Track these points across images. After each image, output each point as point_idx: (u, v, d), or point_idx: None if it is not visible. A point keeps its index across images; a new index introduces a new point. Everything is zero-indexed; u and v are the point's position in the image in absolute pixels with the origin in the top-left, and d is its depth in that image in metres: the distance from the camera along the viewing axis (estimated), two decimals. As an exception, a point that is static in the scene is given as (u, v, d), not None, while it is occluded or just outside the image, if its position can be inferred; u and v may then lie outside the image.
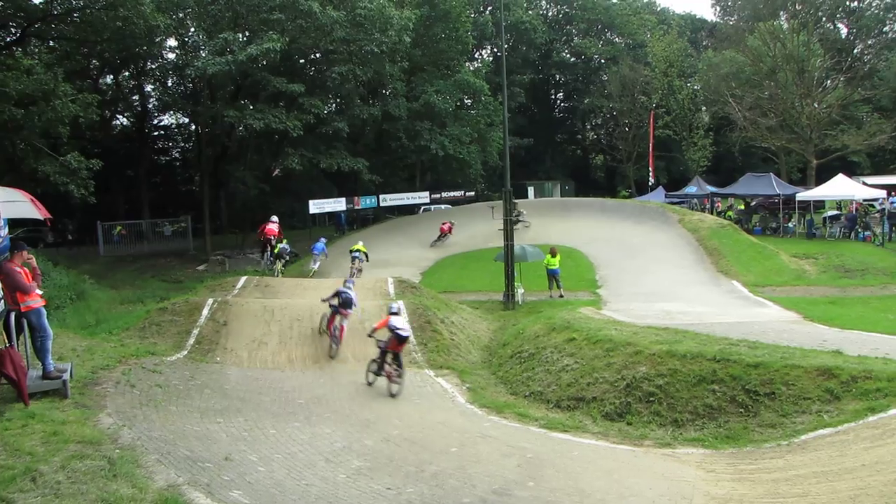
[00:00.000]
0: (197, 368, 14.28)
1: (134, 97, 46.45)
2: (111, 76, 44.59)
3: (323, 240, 31.71)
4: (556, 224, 36.84)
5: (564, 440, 10.82)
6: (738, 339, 13.50)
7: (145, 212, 43.29)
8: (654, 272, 27.42)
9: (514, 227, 32.13)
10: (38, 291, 10.03)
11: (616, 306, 21.97)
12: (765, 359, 11.70)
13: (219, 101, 37.35)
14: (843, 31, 64.46)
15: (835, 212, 38.45)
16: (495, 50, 62.95)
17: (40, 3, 29.32)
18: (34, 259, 10.48)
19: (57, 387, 10.05)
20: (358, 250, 29.60)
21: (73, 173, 26.66)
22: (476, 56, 62.21)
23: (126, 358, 13.32)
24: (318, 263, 30.15)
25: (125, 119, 48.55)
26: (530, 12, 65.79)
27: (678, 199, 45.79)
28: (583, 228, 36.00)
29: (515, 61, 61.96)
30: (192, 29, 38.06)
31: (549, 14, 70.92)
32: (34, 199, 12.02)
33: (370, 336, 14.17)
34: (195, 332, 16.49)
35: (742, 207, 43.87)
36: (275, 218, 31.43)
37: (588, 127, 77.36)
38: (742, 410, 11.01)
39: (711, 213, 41.91)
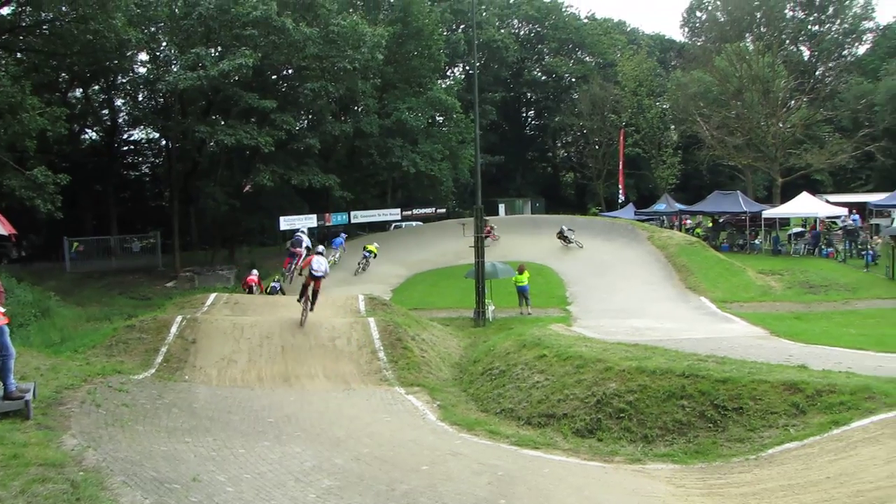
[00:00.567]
0: (165, 387, 14.03)
1: (104, 111, 45.92)
2: (80, 90, 43.99)
3: (343, 235, 35.39)
4: (526, 240, 36.96)
5: (535, 457, 10.79)
6: (707, 354, 13.62)
7: (114, 227, 42.74)
8: (623, 289, 27.61)
9: (568, 244, 32.43)
10: (1, 309, 9.80)
11: (586, 323, 22.04)
12: (733, 374, 11.79)
13: (190, 117, 37.10)
14: (806, 53, 65.95)
15: (799, 229, 39.06)
16: (467, 68, 63.49)
17: (8, 14, 28.96)
18: (-3, 276, 10.27)
19: (19, 407, 9.77)
20: (370, 250, 34.00)
21: (39, 188, 26.26)
22: (448, 73, 62.64)
23: (92, 377, 13.05)
24: (337, 255, 34.04)
25: (94, 133, 47.96)
26: (502, 31, 66.29)
27: (647, 217, 46.24)
28: (553, 245, 36.19)
29: (487, 79, 62.35)
30: (164, 43, 37.87)
31: (521, 33, 71.56)
32: (-1, 214, 11.79)
33: (300, 274, 18.69)
34: (163, 349, 16.24)
35: (710, 224, 44.44)
36: (255, 272, 31.42)
37: (559, 145, 77.96)
38: (711, 425, 11.06)
39: (680, 230, 42.35)
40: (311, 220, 40.60)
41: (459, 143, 48.28)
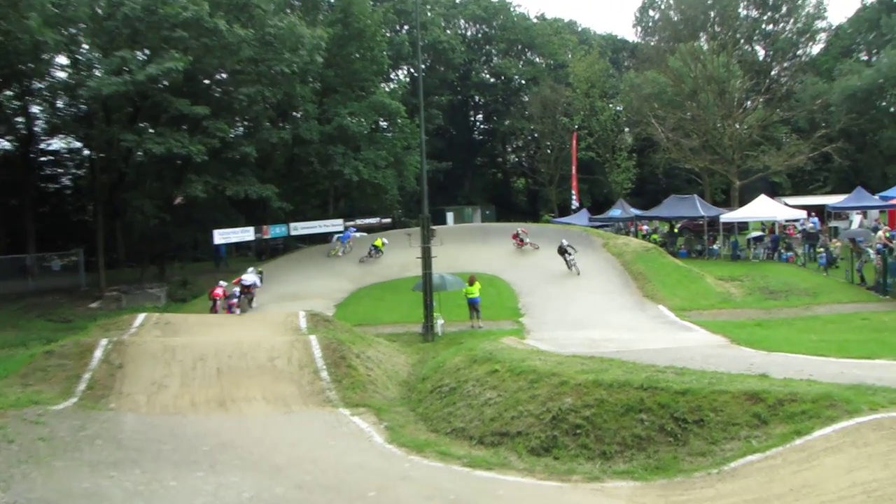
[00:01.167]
0: (88, 417, 13.66)
1: (18, 119, 44.52)
2: (-10, 96, 42.77)
3: (352, 229, 38.08)
4: (476, 250, 37.09)
5: (489, 479, 10.78)
6: (665, 365, 13.79)
7: (31, 245, 41.44)
8: (578, 299, 27.86)
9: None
10: None
11: (540, 335, 22.17)
12: (692, 385, 11.95)
13: (115, 124, 36.21)
14: (761, 53, 67.70)
15: (758, 233, 39.96)
16: (412, 70, 63.51)
17: None
18: None
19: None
20: (376, 246, 37.75)
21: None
22: (392, 77, 62.55)
23: (4, 409, 12.64)
24: (342, 250, 37.88)
25: (8, 143, 46.53)
26: (448, 32, 66.56)
27: (602, 223, 46.80)
28: (504, 255, 36.35)
29: (433, 82, 62.57)
30: (86, 46, 36.87)
31: (468, 34, 71.92)
32: None
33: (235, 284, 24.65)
34: (86, 376, 15.82)
35: (667, 230, 45.17)
36: (223, 283, 30.98)
37: (509, 149, 78.48)
38: (671, 439, 11.19)
39: (636, 237, 42.97)
40: (247, 233, 40.03)
41: (405, 150, 48.21)
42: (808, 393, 11.07)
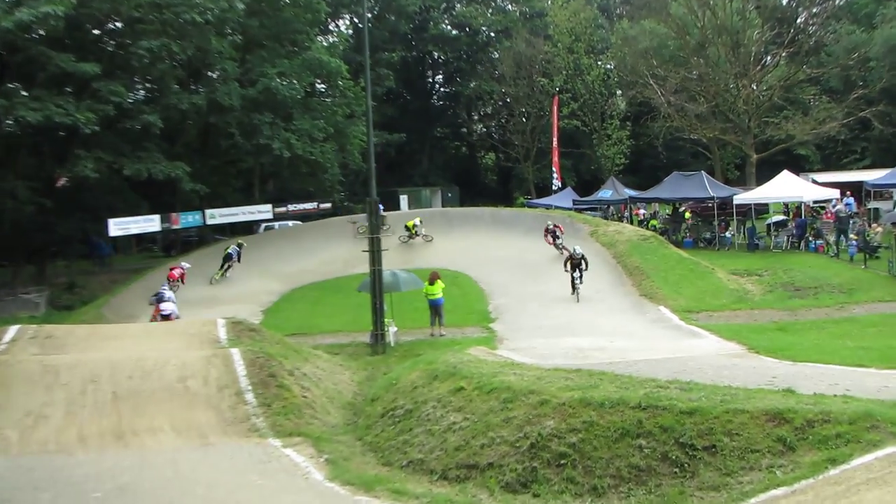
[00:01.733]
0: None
1: None
2: None
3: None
4: (438, 242, 37.07)
5: (454, 523, 10.75)
6: (668, 379, 13.83)
7: None
8: (561, 299, 27.94)
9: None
10: None
11: (515, 344, 22.23)
12: (701, 403, 11.98)
13: (-27, 85, 35.64)
14: (784, -4, 68.08)
15: (780, 217, 40.30)
16: (356, 20, 63.26)
17: None
18: None
19: None
20: (409, 227, 38.77)
21: None
22: (331, 28, 62.35)
23: None
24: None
25: None
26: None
27: (589, 206, 47.03)
28: (471, 246, 36.43)
29: (382, 34, 62.38)
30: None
31: (425, -25, 71.87)
32: None
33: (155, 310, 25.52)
34: (-63, 408, 15.50)
35: (669, 214, 45.47)
36: (185, 264, 31.86)
37: (475, 118, 78.79)
38: (676, 470, 11.20)
39: (631, 223, 43.28)
40: (152, 223, 39.57)
41: (347, 118, 48.13)
42: (844, 412, 11.09)
